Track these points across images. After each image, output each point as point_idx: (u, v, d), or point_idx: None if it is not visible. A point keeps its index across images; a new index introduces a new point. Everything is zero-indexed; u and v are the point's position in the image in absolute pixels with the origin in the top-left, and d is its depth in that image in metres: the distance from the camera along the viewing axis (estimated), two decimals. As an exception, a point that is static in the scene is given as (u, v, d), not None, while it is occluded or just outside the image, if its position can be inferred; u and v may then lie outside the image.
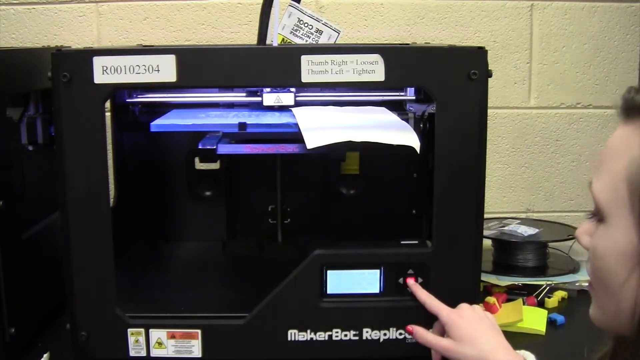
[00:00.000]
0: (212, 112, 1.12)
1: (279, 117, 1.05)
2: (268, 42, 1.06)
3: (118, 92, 1.08)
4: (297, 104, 1.06)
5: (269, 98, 1.03)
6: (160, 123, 1.00)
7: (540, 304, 1.15)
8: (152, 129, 0.98)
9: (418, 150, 0.88)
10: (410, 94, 1.06)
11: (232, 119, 1.03)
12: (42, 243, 1.06)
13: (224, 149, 0.97)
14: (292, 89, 1.02)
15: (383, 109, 1.09)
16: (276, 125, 1.00)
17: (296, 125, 0.97)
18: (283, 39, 1.12)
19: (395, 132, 0.90)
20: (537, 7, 1.50)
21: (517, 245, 1.29)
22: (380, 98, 1.12)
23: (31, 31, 1.45)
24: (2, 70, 0.93)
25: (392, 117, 1.03)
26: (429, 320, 0.92)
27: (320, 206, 1.21)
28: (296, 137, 0.93)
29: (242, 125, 0.97)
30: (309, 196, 1.22)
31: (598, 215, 0.61)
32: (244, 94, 1.06)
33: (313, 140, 0.88)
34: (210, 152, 0.96)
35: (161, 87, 0.96)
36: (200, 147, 0.96)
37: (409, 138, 0.89)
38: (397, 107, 1.13)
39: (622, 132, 0.60)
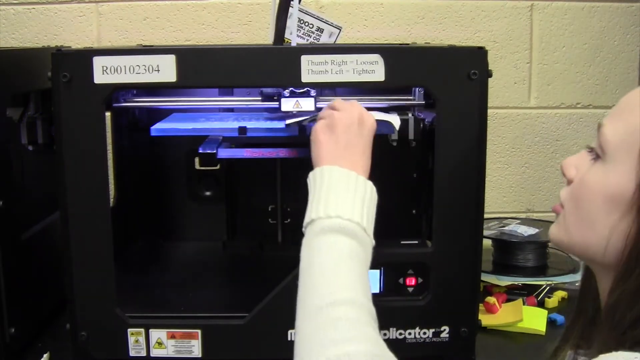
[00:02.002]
0: (212, 116, 1.11)
1: (278, 122, 1.05)
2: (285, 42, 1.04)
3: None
4: (318, 109, 1.03)
5: (288, 103, 0.98)
6: (160, 127, 1.00)
7: (540, 304, 1.15)
8: (152, 134, 0.98)
9: (397, 127, 0.88)
10: (419, 98, 1.02)
11: (232, 123, 1.03)
12: (42, 243, 1.06)
13: (224, 153, 0.98)
14: (313, 94, 0.97)
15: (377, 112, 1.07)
16: (276, 130, 1.00)
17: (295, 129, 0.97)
18: (284, 40, 1.11)
19: (377, 113, 0.90)
20: (537, 7, 1.50)
21: (517, 245, 1.29)
22: (388, 103, 1.09)
23: (31, 31, 1.45)
24: (2, 70, 0.93)
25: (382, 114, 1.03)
26: (429, 320, 0.92)
27: (320, 206, 1.21)
28: (296, 141, 0.93)
29: (242, 130, 0.97)
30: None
31: (598, 153, 0.64)
32: (260, 99, 1.01)
33: (290, 119, 0.90)
34: (210, 156, 0.96)
35: (161, 87, 0.95)
36: (200, 151, 0.96)
37: (389, 117, 0.89)
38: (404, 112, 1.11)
39: None
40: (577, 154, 0.68)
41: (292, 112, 0.95)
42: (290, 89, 0.95)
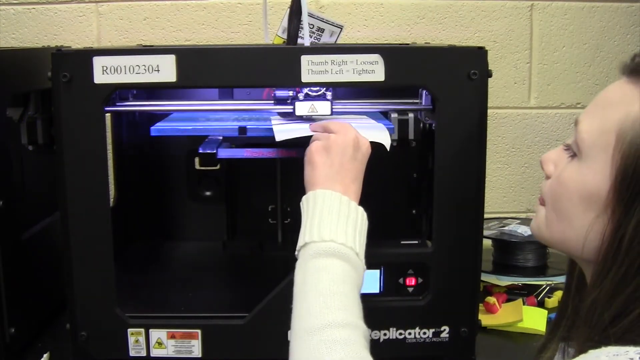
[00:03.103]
0: (212, 115, 1.11)
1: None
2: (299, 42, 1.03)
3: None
4: (334, 113, 0.99)
5: (302, 107, 0.94)
6: (160, 127, 1.00)
7: (540, 304, 1.15)
8: (152, 134, 0.98)
9: (388, 147, 0.88)
10: (426, 102, 1.00)
11: (232, 123, 1.03)
12: (42, 243, 1.06)
13: (224, 153, 0.97)
14: (329, 97, 0.94)
15: (364, 116, 1.07)
16: None
17: None
18: (284, 42, 1.11)
19: (368, 131, 0.89)
20: (537, 7, 1.50)
21: (517, 245, 1.29)
22: (395, 107, 1.08)
23: (31, 31, 1.45)
24: (2, 70, 0.93)
25: (371, 122, 1.02)
26: (429, 320, 0.92)
27: (320, 206, 1.21)
28: (296, 141, 0.93)
29: (242, 130, 0.97)
30: (309, 196, 1.22)
31: (575, 151, 0.64)
32: (272, 102, 0.99)
33: (282, 133, 0.88)
34: (210, 156, 0.96)
35: (161, 87, 0.96)
36: (200, 151, 0.95)
37: (380, 136, 0.89)
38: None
39: (624, 87, 0.63)
40: (555, 149, 0.68)
41: (304, 116, 0.94)
42: (306, 91, 0.93)
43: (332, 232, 0.73)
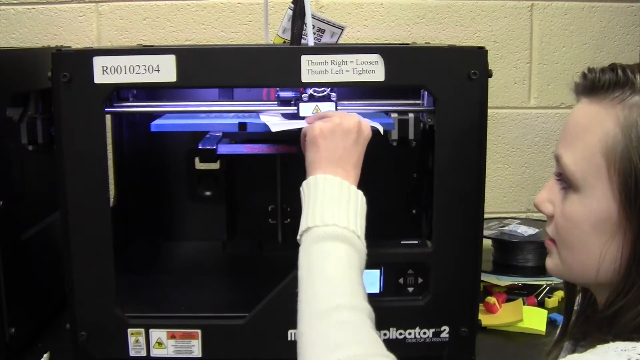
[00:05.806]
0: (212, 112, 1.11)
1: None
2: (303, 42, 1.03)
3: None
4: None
5: (306, 108, 0.93)
6: (161, 123, 1.00)
7: (540, 304, 1.15)
8: (153, 129, 0.98)
9: (382, 131, 0.89)
10: (428, 104, 0.98)
11: (232, 119, 1.03)
12: (42, 243, 1.06)
13: (224, 149, 0.97)
14: (333, 98, 0.94)
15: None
16: None
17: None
18: (284, 42, 1.11)
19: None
20: (537, 7, 1.50)
21: (517, 245, 1.29)
22: (396, 107, 1.07)
23: (31, 31, 1.45)
24: (2, 70, 0.93)
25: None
26: (429, 320, 0.92)
27: (320, 206, 1.21)
28: (296, 137, 0.93)
29: (242, 126, 0.97)
30: (309, 196, 1.22)
31: (568, 184, 0.64)
32: (276, 103, 0.98)
33: (277, 125, 0.89)
34: (210, 152, 0.95)
35: (161, 87, 0.95)
36: (200, 147, 0.95)
37: (374, 123, 0.89)
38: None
39: (588, 108, 0.63)
40: (545, 187, 0.68)
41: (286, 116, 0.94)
42: (310, 92, 0.93)
43: (334, 216, 0.74)
